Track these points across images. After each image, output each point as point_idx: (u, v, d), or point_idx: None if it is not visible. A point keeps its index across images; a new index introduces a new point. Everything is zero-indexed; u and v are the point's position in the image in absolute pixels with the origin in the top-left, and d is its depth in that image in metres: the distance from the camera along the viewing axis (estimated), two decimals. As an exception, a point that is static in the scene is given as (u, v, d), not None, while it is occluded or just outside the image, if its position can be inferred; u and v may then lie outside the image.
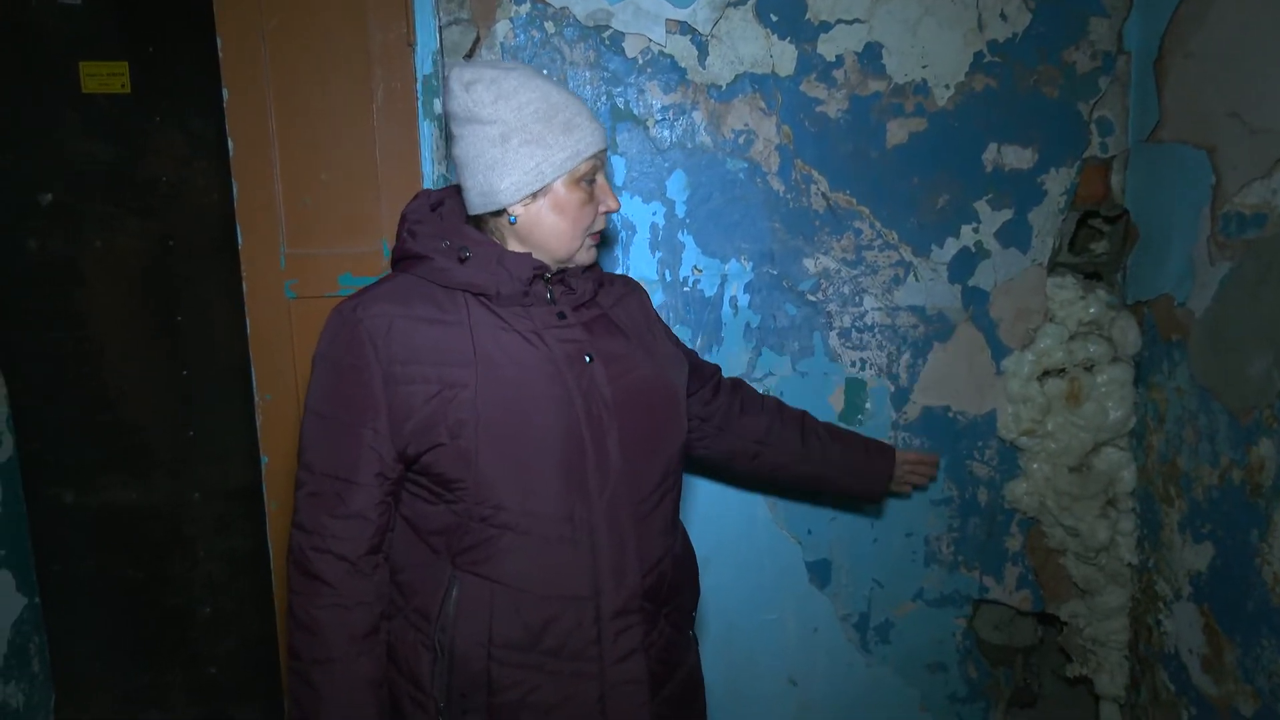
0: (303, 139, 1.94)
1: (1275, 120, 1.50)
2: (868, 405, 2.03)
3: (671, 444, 1.34)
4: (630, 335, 1.36)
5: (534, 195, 1.25)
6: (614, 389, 1.27)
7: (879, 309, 2.00)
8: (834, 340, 2.01)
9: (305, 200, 1.96)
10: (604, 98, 1.92)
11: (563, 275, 1.31)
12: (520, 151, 1.22)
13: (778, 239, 1.97)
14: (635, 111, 1.92)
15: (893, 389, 2.03)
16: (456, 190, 1.34)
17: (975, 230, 1.97)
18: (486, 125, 1.22)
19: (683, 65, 1.91)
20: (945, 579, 2.11)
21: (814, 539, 2.09)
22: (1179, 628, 1.85)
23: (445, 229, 1.28)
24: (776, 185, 1.95)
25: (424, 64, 1.90)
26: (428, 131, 1.92)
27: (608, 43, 1.90)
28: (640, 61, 1.91)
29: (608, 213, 1.31)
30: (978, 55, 1.90)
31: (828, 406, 2.03)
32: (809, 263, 1.98)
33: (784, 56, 1.91)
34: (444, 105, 1.27)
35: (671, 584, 1.34)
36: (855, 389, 2.03)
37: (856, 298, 2.00)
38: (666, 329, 1.55)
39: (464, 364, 1.21)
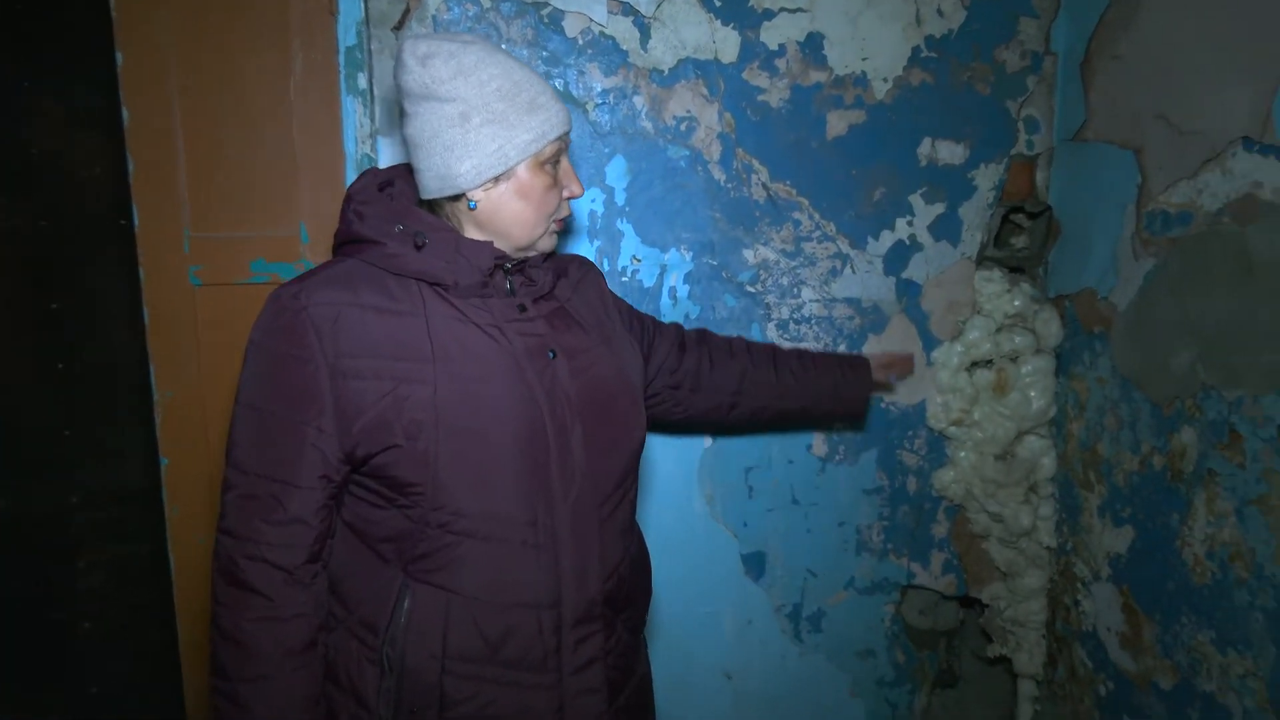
0: (210, 111, 1.78)
1: (1203, 122, 1.57)
2: (804, 397, 2.03)
3: (633, 442, 1.30)
4: (589, 328, 1.30)
5: (495, 179, 1.17)
6: (577, 386, 1.21)
7: (816, 300, 2.00)
8: (772, 331, 2.00)
9: (213, 178, 1.79)
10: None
11: (523, 266, 1.23)
12: (481, 132, 1.13)
13: (718, 229, 1.94)
14: (574, 94, 1.85)
15: (828, 380, 2.04)
16: (406, 170, 1.24)
17: (909, 223, 2.00)
18: (444, 103, 1.13)
19: (624, 47, 1.85)
20: (875, 567, 2.14)
21: (750, 531, 2.08)
22: (1097, 607, 1.94)
23: (396, 211, 1.18)
24: (718, 174, 1.92)
25: (347, 35, 1.77)
26: (351, 108, 1.79)
27: (546, 20, 1.81)
28: (580, 42, 1.83)
29: (571, 198, 1.24)
30: (915, 50, 1.92)
31: (765, 398, 2.02)
32: (749, 253, 1.96)
33: (727, 42, 1.87)
34: (395, 79, 1.17)
35: (629, 588, 1.30)
36: (792, 380, 2.03)
37: (795, 289, 1.99)
38: (621, 304, 1.48)
39: (421, 359, 1.12)
